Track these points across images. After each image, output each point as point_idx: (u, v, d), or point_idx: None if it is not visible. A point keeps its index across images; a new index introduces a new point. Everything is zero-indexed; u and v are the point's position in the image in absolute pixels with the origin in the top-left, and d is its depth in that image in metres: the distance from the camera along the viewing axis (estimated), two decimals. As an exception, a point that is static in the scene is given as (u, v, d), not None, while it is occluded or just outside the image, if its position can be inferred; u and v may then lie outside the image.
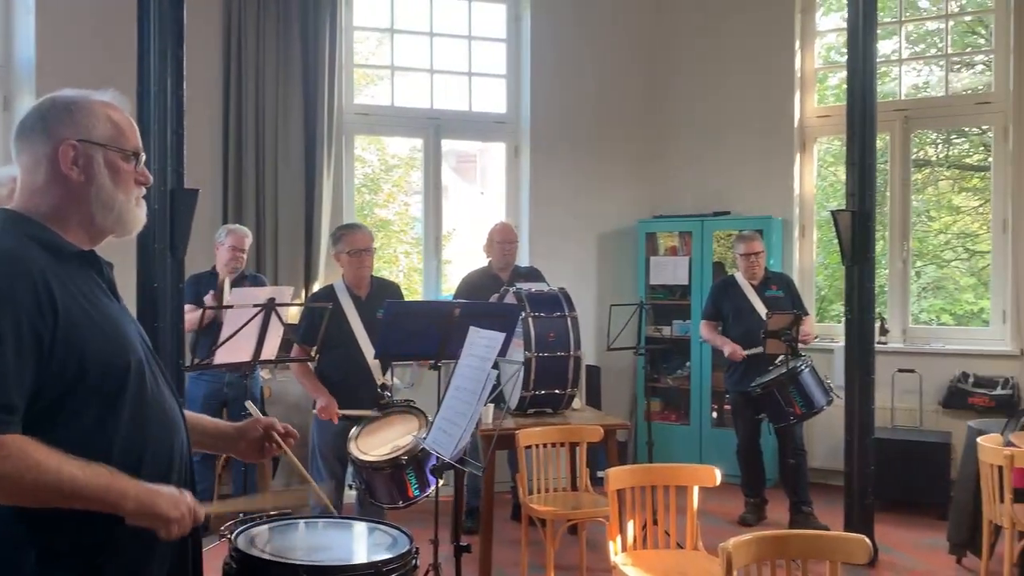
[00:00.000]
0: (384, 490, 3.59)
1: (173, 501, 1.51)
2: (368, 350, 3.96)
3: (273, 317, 3.76)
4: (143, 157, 1.66)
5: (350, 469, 3.87)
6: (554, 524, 3.91)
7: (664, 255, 6.58)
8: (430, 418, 3.65)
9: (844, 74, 5.39)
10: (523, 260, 6.16)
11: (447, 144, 6.50)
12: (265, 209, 5.64)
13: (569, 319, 4.37)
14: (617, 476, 3.24)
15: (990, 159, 6.33)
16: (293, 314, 4.54)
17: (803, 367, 4.70)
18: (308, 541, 2.08)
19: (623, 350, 5.14)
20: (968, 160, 7.87)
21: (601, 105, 6.61)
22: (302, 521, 2.18)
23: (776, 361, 4.86)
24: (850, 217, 4.48)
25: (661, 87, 6.79)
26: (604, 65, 6.62)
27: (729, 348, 5.11)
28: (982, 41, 7.06)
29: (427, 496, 3.55)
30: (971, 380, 5.69)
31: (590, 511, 3.96)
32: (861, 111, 4.51)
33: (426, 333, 3.56)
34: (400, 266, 9.66)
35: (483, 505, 4.11)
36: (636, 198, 6.72)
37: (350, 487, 4.07)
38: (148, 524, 1.49)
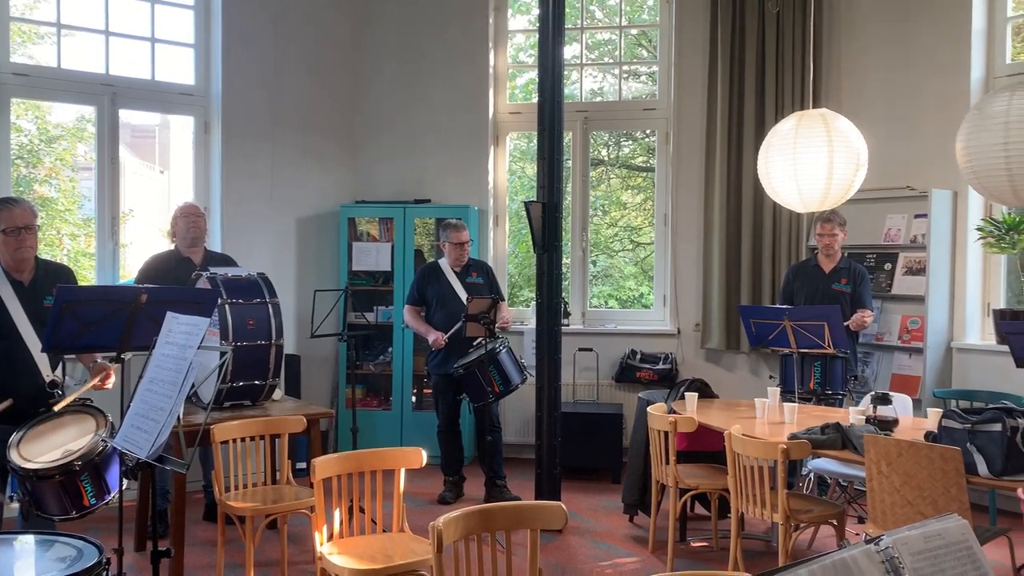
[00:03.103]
0: (54, 500, 3.17)
1: None
2: (34, 343, 3.47)
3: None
4: None
5: (10, 478, 3.38)
6: (253, 520, 3.74)
7: (366, 241, 6.56)
8: (110, 417, 3.31)
9: (530, 74, 5.77)
10: (215, 243, 5.79)
11: (123, 116, 5.89)
12: None
13: (270, 306, 4.19)
14: (324, 465, 3.16)
15: (652, 161, 7.11)
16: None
17: (501, 348, 4.95)
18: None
19: (326, 337, 5.05)
20: (634, 161, 8.81)
21: (301, 85, 6.39)
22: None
23: (475, 343, 5.07)
24: (541, 208, 4.79)
25: (364, 73, 6.73)
26: (305, 45, 6.41)
27: (432, 336, 5.24)
28: (646, 54, 7.90)
29: (106, 504, 3.21)
30: (638, 356, 6.38)
31: (293, 504, 3.83)
32: (551, 109, 4.83)
33: (106, 322, 3.20)
34: (65, 249, 8.61)
35: (173, 507, 3.82)
36: (338, 182, 6.61)
37: (10, 499, 3.55)
38: None
